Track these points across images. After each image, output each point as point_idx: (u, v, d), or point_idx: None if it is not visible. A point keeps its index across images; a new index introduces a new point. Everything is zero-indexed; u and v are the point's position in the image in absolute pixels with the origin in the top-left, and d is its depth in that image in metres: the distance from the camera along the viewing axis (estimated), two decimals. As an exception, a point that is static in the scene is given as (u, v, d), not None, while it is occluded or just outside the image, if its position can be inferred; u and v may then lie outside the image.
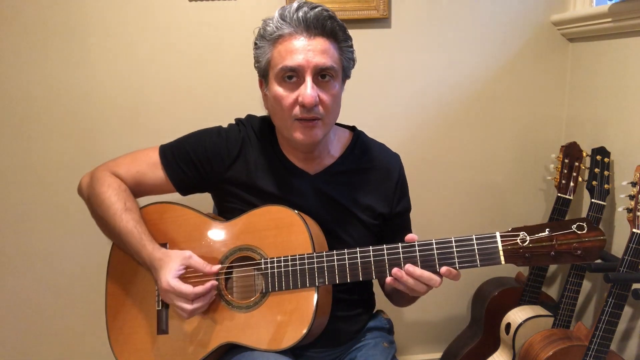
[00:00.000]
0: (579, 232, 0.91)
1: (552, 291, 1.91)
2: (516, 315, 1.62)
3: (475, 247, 0.95)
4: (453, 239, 0.96)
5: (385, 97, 1.76)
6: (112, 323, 1.16)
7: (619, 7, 1.45)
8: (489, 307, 1.74)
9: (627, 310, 1.49)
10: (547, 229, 0.93)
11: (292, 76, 1.01)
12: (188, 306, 1.02)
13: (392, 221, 1.20)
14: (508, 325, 1.63)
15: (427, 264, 0.97)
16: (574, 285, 1.52)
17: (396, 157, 1.22)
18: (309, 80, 1.00)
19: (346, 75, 1.10)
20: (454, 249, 0.96)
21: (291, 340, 1.01)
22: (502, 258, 0.93)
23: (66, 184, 1.71)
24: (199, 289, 1.02)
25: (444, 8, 1.72)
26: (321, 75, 1.02)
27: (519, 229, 0.94)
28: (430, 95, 1.78)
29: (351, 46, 1.07)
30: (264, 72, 1.06)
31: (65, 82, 1.66)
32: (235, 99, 1.71)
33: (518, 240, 0.93)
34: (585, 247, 0.91)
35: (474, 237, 0.95)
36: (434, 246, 0.97)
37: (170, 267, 1.02)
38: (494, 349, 1.70)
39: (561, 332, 1.47)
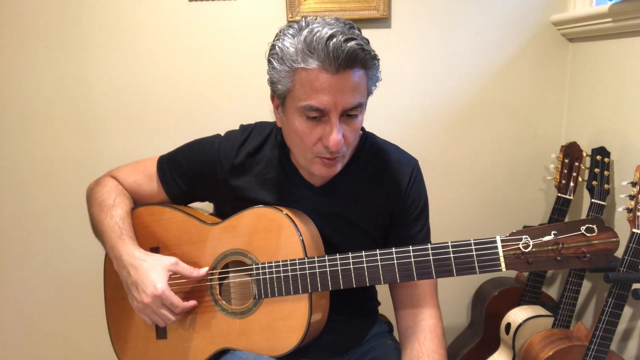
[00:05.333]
0: (588, 234, 0.83)
1: (552, 291, 1.91)
2: (516, 315, 1.62)
3: (474, 252, 0.88)
4: (450, 244, 0.90)
5: (384, 97, 1.76)
6: (113, 328, 1.17)
7: (619, 7, 1.45)
8: (489, 307, 1.74)
9: (627, 310, 1.49)
10: (552, 232, 0.85)
11: (316, 115, 0.92)
12: (172, 317, 1.00)
13: (398, 233, 1.11)
14: (508, 325, 1.63)
15: (423, 271, 0.92)
16: (574, 285, 1.52)
17: (409, 160, 1.13)
18: (336, 123, 0.92)
19: (369, 95, 1.03)
20: (451, 255, 0.90)
21: (286, 347, 1.00)
22: (503, 265, 0.87)
23: (67, 184, 1.72)
24: (187, 304, 1.02)
25: (444, 8, 1.72)
26: (348, 113, 0.94)
27: (521, 232, 0.86)
28: (430, 95, 1.78)
29: (378, 67, 0.97)
30: (281, 98, 0.97)
31: (65, 82, 1.66)
32: (235, 98, 1.71)
33: (520, 246, 0.86)
34: (594, 251, 0.82)
35: (472, 241, 0.89)
36: (430, 251, 0.91)
37: (159, 271, 0.99)
38: (494, 349, 1.70)
39: (561, 332, 1.47)
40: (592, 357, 1.32)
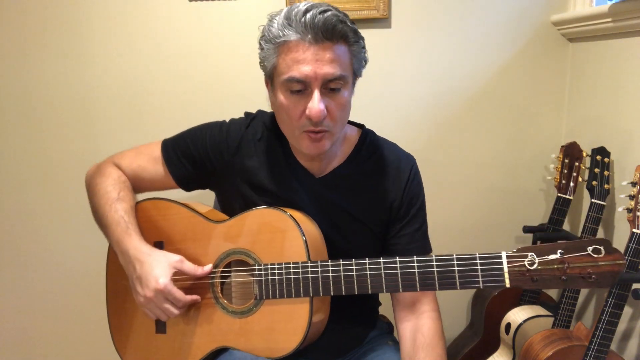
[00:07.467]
0: (595, 255, 0.83)
1: (552, 291, 1.91)
2: (516, 315, 1.62)
3: (479, 267, 0.88)
4: (455, 257, 0.90)
5: (384, 97, 1.76)
6: (113, 322, 1.17)
7: (619, 7, 1.45)
8: (489, 307, 1.74)
9: (627, 310, 1.48)
10: (559, 251, 0.85)
11: (299, 87, 0.94)
12: (175, 311, 1.00)
13: (397, 230, 1.11)
14: (508, 325, 1.63)
15: (426, 282, 0.91)
16: (574, 285, 1.52)
17: (408, 158, 1.14)
18: (316, 93, 0.93)
19: (356, 76, 1.04)
20: (455, 268, 0.90)
21: (285, 349, 1.00)
22: (507, 281, 0.87)
23: (68, 183, 1.72)
24: (189, 297, 1.02)
25: (444, 8, 1.72)
26: (330, 86, 0.95)
27: (528, 249, 0.86)
28: (430, 95, 1.78)
29: (363, 47, 1.00)
30: (270, 76, 1.00)
31: (66, 81, 1.66)
32: (235, 98, 1.71)
33: (525, 263, 0.86)
34: (600, 272, 0.83)
35: (477, 255, 0.89)
36: (434, 263, 0.91)
37: (163, 266, 0.99)
38: (494, 349, 1.70)
39: (561, 332, 1.47)
40: (592, 357, 1.32)
